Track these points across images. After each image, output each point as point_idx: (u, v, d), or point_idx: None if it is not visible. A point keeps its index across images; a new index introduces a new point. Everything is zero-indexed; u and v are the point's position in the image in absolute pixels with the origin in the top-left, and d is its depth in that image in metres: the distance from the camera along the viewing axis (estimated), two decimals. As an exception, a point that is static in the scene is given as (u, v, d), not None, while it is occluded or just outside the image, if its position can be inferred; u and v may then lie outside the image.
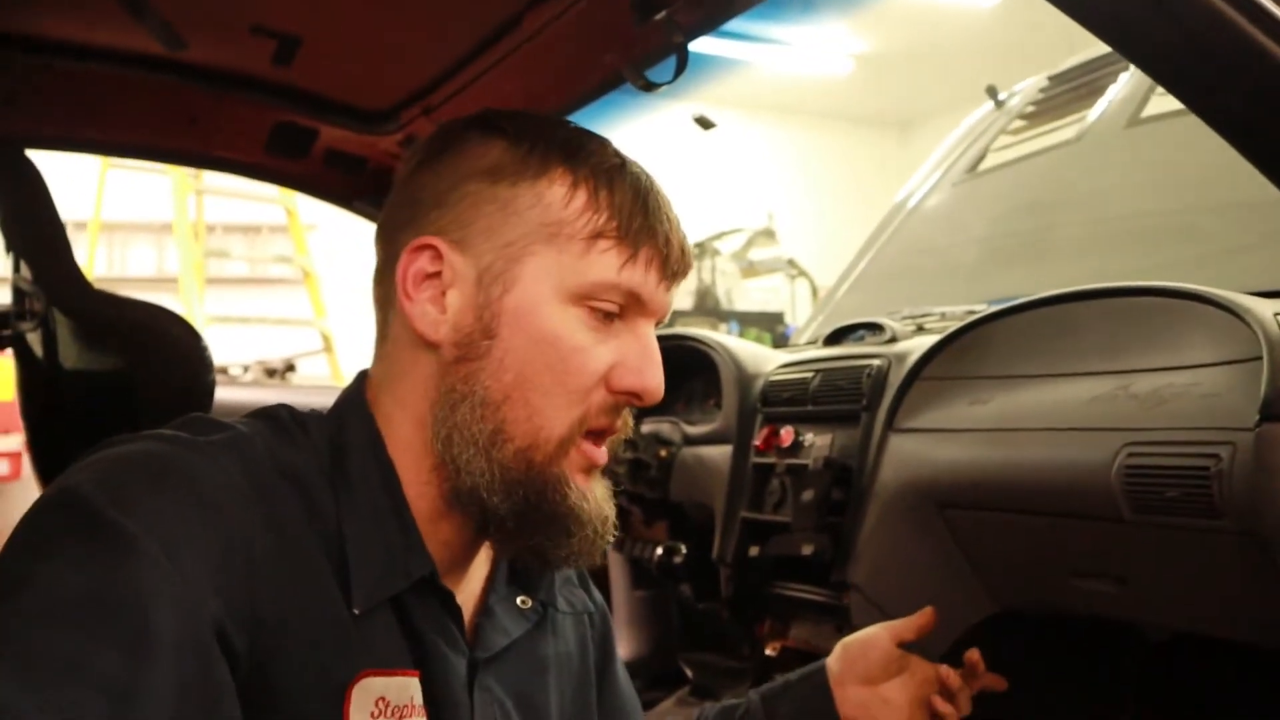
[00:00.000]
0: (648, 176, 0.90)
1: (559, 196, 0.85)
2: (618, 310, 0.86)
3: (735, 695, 1.70)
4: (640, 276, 0.85)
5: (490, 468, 0.83)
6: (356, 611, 0.78)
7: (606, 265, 0.84)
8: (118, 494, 0.69)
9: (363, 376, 0.91)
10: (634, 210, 0.86)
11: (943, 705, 1.16)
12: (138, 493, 0.70)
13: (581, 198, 0.85)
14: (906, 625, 1.20)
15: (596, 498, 0.87)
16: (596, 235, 0.84)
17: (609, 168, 0.87)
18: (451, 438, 0.84)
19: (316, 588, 0.77)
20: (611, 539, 0.90)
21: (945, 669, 1.17)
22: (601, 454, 0.88)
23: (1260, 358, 1.06)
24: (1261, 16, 0.91)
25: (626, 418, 0.90)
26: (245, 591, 0.72)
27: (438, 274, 0.86)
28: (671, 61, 1.35)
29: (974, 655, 1.18)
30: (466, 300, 0.85)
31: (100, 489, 0.69)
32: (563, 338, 0.83)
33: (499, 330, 0.84)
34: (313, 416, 0.87)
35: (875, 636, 1.20)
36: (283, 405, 0.87)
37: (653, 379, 0.87)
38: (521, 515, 0.84)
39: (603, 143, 0.90)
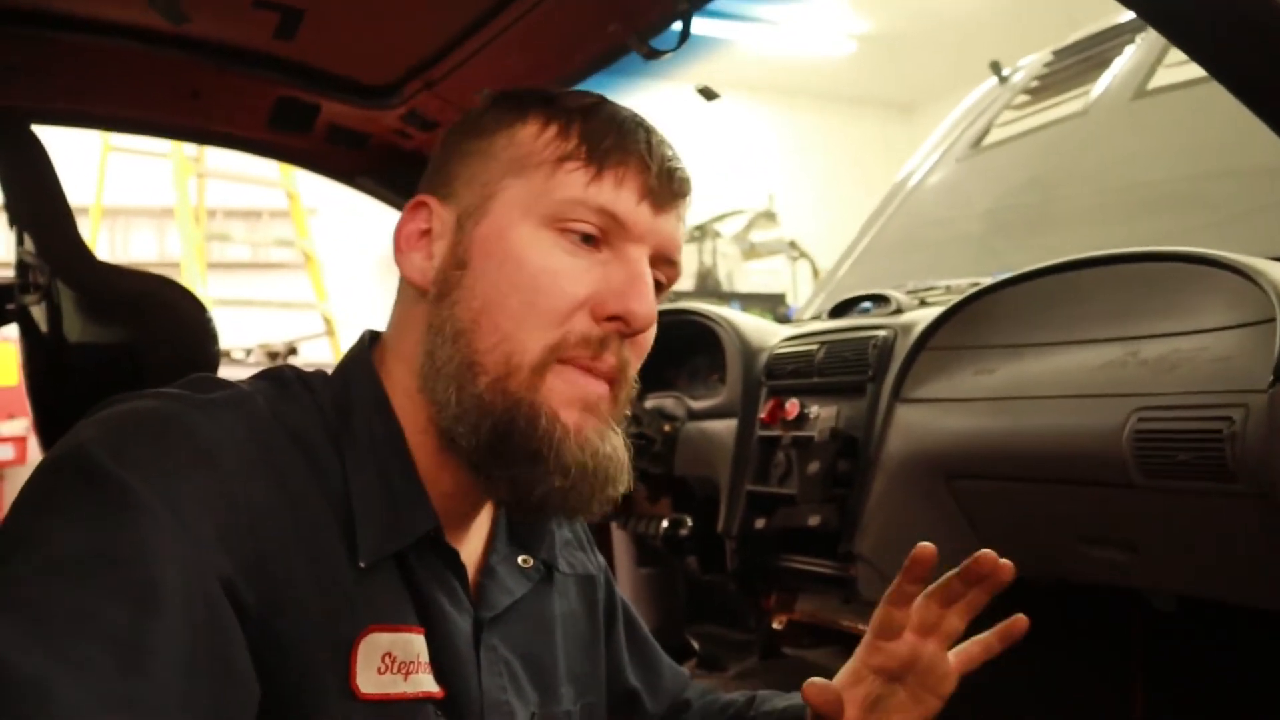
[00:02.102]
0: (633, 112, 0.89)
1: (531, 134, 0.86)
2: (597, 232, 0.83)
3: (742, 667, 1.71)
4: (610, 193, 0.83)
5: (462, 399, 0.82)
6: (362, 565, 0.78)
7: (573, 183, 0.83)
8: (121, 450, 0.69)
9: (366, 338, 0.92)
10: (605, 132, 0.84)
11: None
12: (140, 448, 0.70)
13: (552, 130, 0.85)
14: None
15: (589, 436, 0.82)
16: (563, 159, 0.84)
17: (585, 105, 0.87)
18: (433, 376, 0.84)
19: (322, 543, 0.78)
20: (616, 489, 0.85)
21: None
22: (595, 386, 0.83)
23: (1273, 319, 1.06)
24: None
25: (622, 354, 0.84)
26: (251, 545, 0.72)
27: (430, 230, 0.88)
28: (676, 32, 1.34)
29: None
30: (448, 243, 0.86)
31: (103, 445, 0.69)
32: (530, 258, 0.82)
33: (470, 260, 0.84)
34: (318, 376, 0.88)
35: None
36: (288, 366, 0.89)
37: (636, 302, 0.82)
38: (492, 448, 0.81)
39: (600, 97, 0.89)
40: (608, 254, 0.84)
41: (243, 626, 0.70)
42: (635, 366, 0.88)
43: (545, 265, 0.82)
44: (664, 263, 0.88)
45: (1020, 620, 1.01)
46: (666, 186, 0.86)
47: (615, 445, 0.85)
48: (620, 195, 0.83)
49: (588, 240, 0.83)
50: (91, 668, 0.59)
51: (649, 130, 0.88)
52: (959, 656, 1.01)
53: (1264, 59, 0.94)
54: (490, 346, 0.81)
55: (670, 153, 0.88)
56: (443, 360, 0.83)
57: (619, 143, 0.84)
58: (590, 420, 0.83)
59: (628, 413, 0.90)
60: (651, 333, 0.88)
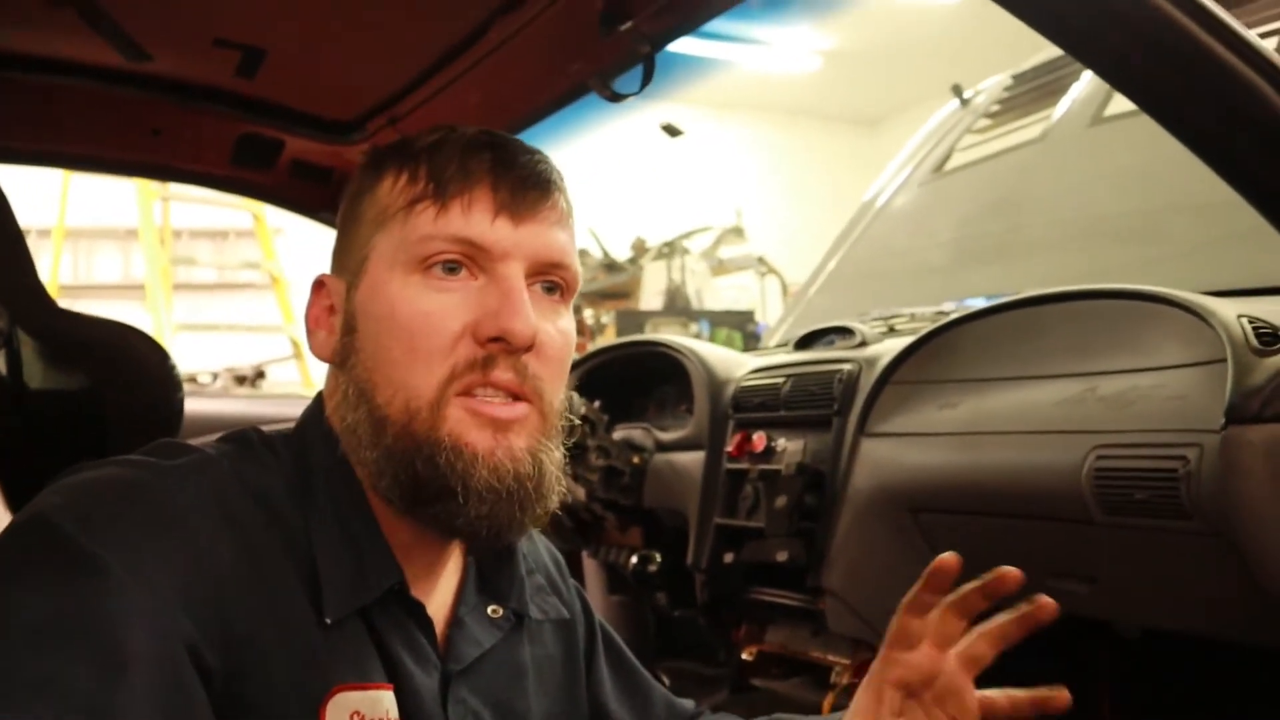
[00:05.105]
0: (481, 132, 0.88)
1: (387, 187, 0.87)
2: (459, 260, 0.83)
3: (711, 701, 1.70)
4: (460, 220, 0.83)
5: (379, 458, 0.83)
6: (328, 621, 0.79)
7: (424, 221, 0.84)
8: (86, 519, 0.70)
9: (321, 397, 0.93)
10: (448, 164, 0.85)
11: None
12: (105, 517, 0.71)
13: (404, 178, 0.86)
14: None
15: (501, 459, 0.82)
16: (414, 201, 0.85)
17: (433, 143, 0.87)
18: (355, 443, 0.85)
19: (287, 604, 0.78)
20: (546, 505, 0.85)
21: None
22: (500, 408, 0.83)
23: (1225, 360, 1.08)
24: (1210, 22, 0.93)
25: (524, 370, 0.83)
26: (216, 610, 0.72)
27: (333, 306, 0.90)
28: (638, 73, 1.35)
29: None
30: (341, 314, 0.89)
31: (68, 514, 0.70)
32: (401, 306, 0.83)
33: (357, 324, 0.87)
34: (281, 438, 0.89)
35: None
36: (252, 428, 0.89)
37: (509, 320, 0.81)
38: (412, 495, 0.82)
39: (450, 129, 0.89)
40: (483, 280, 0.84)
41: (208, 691, 0.70)
42: (551, 383, 0.86)
43: (417, 308, 0.83)
44: (552, 268, 0.87)
45: (1062, 695, 0.94)
46: (522, 196, 0.85)
47: (543, 461, 0.85)
48: (471, 219, 0.83)
49: (453, 270, 0.84)
50: None
51: (497, 146, 0.87)
52: (982, 699, 0.95)
53: (1198, 101, 0.97)
54: (388, 399, 0.83)
55: (526, 159, 0.87)
56: (355, 424, 0.85)
57: (461, 168, 0.85)
58: (506, 441, 0.83)
59: (576, 421, 0.90)
60: (557, 347, 0.87)
